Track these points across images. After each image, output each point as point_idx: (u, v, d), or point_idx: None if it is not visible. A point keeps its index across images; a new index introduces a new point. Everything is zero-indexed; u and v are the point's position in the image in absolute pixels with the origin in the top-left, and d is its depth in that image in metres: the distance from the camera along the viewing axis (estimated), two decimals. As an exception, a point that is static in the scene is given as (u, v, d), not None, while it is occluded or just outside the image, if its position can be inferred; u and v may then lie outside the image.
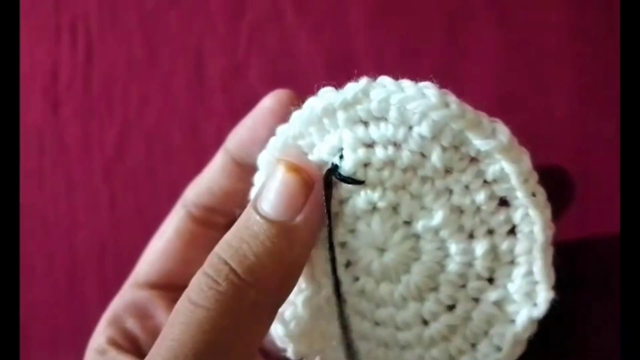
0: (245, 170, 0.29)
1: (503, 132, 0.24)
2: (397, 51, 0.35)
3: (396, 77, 0.36)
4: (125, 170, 0.49)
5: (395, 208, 0.25)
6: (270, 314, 0.24)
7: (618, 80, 0.28)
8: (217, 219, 0.31)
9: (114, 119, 0.50)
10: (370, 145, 0.24)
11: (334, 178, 0.25)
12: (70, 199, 0.53)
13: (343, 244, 0.26)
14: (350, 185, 0.24)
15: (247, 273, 0.23)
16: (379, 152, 0.24)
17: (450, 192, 0.25)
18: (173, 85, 0.47)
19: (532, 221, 0.24)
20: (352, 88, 0.25)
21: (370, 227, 0.25)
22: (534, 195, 0.24)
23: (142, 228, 0.48)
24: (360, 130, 0.24)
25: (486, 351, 0.25)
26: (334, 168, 0.24)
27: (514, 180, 0.24)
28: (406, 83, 0.25)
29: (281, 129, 0.26)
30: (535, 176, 0.24)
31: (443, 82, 0.34)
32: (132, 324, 0.30)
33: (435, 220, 0.25)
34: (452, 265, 0.25)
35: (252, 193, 0.28)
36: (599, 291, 0.29)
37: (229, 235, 0.24)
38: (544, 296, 0.24)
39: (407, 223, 0.25)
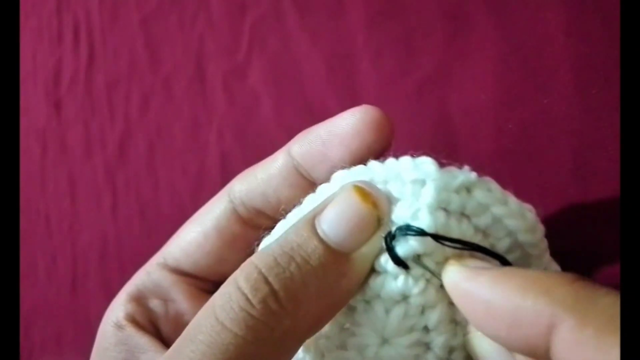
0: (307, 182, 0.26)
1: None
2: (397, 51, 0.35)
3: (396, 77, 0.36)
4: (126, 170, 0.50)
5: (424, 310, 0.22)
6: (298, 346, 0.22)
7: (617, 80, 0.28)
8: (262, 221, 0.28)
9: (116, 119, 0.50)
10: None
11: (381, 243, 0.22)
12: (73, 199, 0.53)
13: (352, 308, 0.23)
14: (390, 264, 0.22)
15: (290, 300, 0.20)
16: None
17: None
18: (174, 86, 0.47)
19: None
20: (458, 176, 0.23)
21: (388, 316, 0.22)
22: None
23: (143, 227, 0.48)
24: (441, 217, 0.22)
25: None
26: (391, 238, 0.22)
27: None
28: (512, 199, 0.23)
29: (373, 166, 0.24)
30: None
31: (443, 82, 0.34)
32: (155, 305, 0.28)
33: (457, 341, 0.23)
34: None
35: (307, 202, 0.25)
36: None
37: (275, 248, 0.21)
38: None
39: (426, 329, 0.23)
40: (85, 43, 0.53)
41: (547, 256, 0.24)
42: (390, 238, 0.22)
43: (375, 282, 0.22)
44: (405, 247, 0.22)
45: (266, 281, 0.20)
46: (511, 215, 0.23)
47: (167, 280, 0.28)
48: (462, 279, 0.21)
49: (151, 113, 0.48)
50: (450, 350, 0.23)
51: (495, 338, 0.20)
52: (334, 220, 0.21)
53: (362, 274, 0.22)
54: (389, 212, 0.22)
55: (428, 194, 0.22)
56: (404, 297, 0.22)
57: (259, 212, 0.28)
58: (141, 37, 0.49)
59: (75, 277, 0.53)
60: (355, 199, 0.22)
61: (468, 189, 0.23)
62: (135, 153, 0.49)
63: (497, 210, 0.23)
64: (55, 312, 0.54)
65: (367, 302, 0.23)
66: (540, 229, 0.23)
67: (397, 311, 0.22)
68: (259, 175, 0.27)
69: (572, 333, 0.17)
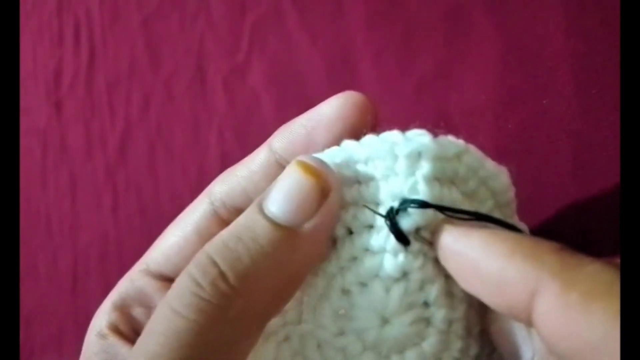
0: None
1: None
2: (397, 51, 0.35)
3: (396, 77, 0.36)
4: (127, 170, 0.50)
5: (423, 285, 0.22)
6: (259, 327, 0.21)
7: (617, 80, 0.28)
8: None
9: (116, 119, 0.50)
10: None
11: (379, 221, 0.22)
12: (73, 199, 0.53)
13: (346, 292, 0.23)
14: (390, 241, 0.22)
15: (239, 279, 0.20)
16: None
17: None
18: (175, 86, 0.47)
19: None
20: (451, 145, 0.22)
21: (388, 295, 0.22)
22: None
23: (144, 227, 0.48)
24: (436, 188, 0.22)
25: None
26: (393, 214, 0.21)
27: None
28: (489, 160, 0.23)
29: (348, 145, 0.23)
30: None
31: (443, 82, 0.34)
32: (138, 313, 0.28)
33: (457, 314, 0.23)
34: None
35: None
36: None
37: (225, 233, 0.22)
38: None
39: (426, 305, 0.22)
40: (85, 43, 0.53)
41: (515, 217, 0.24)
42: (391, 214, 0.21)
43: (372, 262, 0.22)
44: (408, 221, 0.21)
45: (214, 264, 0.20)
46: (493, 176, 0.23)
47: (150, 287, 0.28)
48: (452, 240, 0.21)
49: (152, 113, 0.48)
50: (450, 323, 0.23)
51: (480, 298, 0.20)
52: (279, 197, 0.21)
53: (316, 245, 0.22)
54: (337, 181, 0.22)
55: (426, 165, 0.22)
56: (404, 274, 0.22)
57: (241, 211, 0.26)
58: (142, 38, 0.49)
59: (75, 277, 0.53)
60: (297, 173, 0.21)
61: (459, 156, 0.22)
62: (136, 153, 0.49)
63: (483, 172, 0.23)
64: (56, 312, 0.54)
65: (364, 284, 0.22)
66: (513, 188, 0.23)
67: (398, 289, 0.22)
68: (239, 173, 0.27)
69: (557, 297, 0.17)
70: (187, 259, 0.26)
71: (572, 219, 0.29)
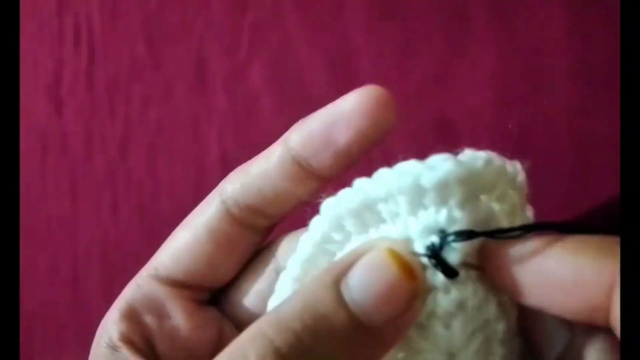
0: (307, 173, 0.24)
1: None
2: (397, 52, 0.35)
3: (396, 77, 0.36)
4: (128, 170, 0.50)
5: (480, 308, 0.21)
6: None
7: (617, 80, 0.28)
8: (259, 221, 0.26)
9: (117, 119, 0.50)
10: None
11: (423, 262, 0.20)
12: (74, 199, 0.53)
13: (405, 338, 0.21)
14: (439, 278, 0.20)
15: None
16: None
17: None
18: (175, 86, 0.47)
19: None
20: (474, 160, 0.21)
21: (450, 331, 0.21)
22: None
23: (144, 228, 0.48)
24: (471, 209, 0.20)
25: None
26: (434, 251, 0.20)
27: None
28: (508, 162, 0.22)
29: (361, 184, 0.21)
30: None
31: (442, 82, 0.34)
32: (149, 321, 0.26)
33: (512, 319, 0.22)
34: None
35: (304, 241, 0.22)
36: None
37: (293, 321, 0.18)
38: None
39: (486, 323, 0.21)
40: (85, 43, 0.53)
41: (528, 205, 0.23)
42: (434, 251, 0.20)
43: (426, 303, 0.20)
44: (455, 254, 0.20)
45: None
46: (515, 174, 0.22)
47: (159, 293, 0.26)
48: (509, 259, 0.19)
49: (152, 113, 0.48)
50: (510, 331, 0.22)
51: (549, 308, 0.19)
52: (363, 290, 0.19)
53: (388, 349, 0.20)
54: (425, 282, 0.20)
55: (459, 191, 0.20)
56: (460, 306, 0.21)
57: (255, 211, 0.25)
58: (142, 38, 0.49)
59: (76, 277, 0.53)
60: (390, 270, 0.19)
61: (484, 169, 0.21)
62: (136, 153, 0.49)
63: (507, 175, 0.22)
64: (56, 312, 0.54)
65: (421, 325, 0.21)
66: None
67: (458, 323, 0.21)
68: (253, 171, 0.25)
69: None
70: (199, 261, 0.26)
71: (571, 220, 0.29)
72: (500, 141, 0.31)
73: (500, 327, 0.22)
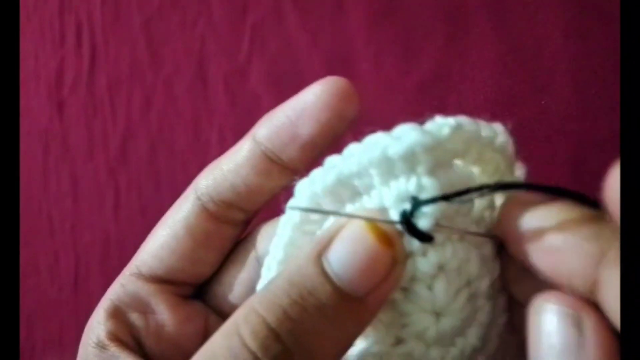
0: (277, 166, 0.25)
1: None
2: (397, 52, 0.35)
3: (396, 77, 0.36)
4: (128, 170, 0.50)
5: (460, 268, 0.22)
6: None
7: (616, 80, 0.28)
8: (235, 215, 0.26)
9: (118, 120, 0.51)
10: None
11: (398, 229, 0.21)
12: (75, 199, 0.54)
13: (391, 301, 0.22)
14: (415, 244, 0.21)
15: (305, 356, 0.19)
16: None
17: None
18: (176, 86, 0.47)
19: None
20: (441, 127, 0.21)
21: (433, 291, 0.21)
22: None
23: (145, 227, 0.48)
24: (442, 175, 0.21)
25: None
26: (405, 217, 0.20)
27: None
28: (484, 125, 0.22)
29: (332, 162, 0.22)
30: None
31: (442, 82, 0.34)
32: (135, 318, 0.26)
33: (495, 274, 0.22)
34: (500, 320, 0.23)
35: (282, 225, 0.23)
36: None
37: (282, 295, 0.19)
38: None
39: (468, 282, 0.22)
40: (87, 44, 0.53)
41: (517, 164, 0.24)
42: (405, 218, 0.21)
43: (406, 267, 0.21)
44: (426, 220, 0.21)
45: (277, 339, 0.19)
46: (493, 136, 0.22)
47: (143, 291, 0.27)
48: (516, 217, 0.20)
49: (153, 114, 0.48)
50: (493, 285, 0.22)
51: (544, 269, 0.19)
52: (344, 261, 0.19)
53: (374, 315, 0.21)
54: (405, 249, 0.21)
55: (425, 159, 0.21)
56: (440, 267, 0.21)
57: (230, 205, 0.26)
58: (143, 38, 0.49)
59: (77, 276, 0.53)
60: (367, 239, 0.20)
61: (453, 134, 0.21)
62: (137, 153, 0.49)
63: (482, 138, 0.22)
64: (57, 311, 0.54)
65: (405, 289, 0.22)
66: (510, 138, 0.23)
67: (440, 283, 0.21)
68: (224, 167, 0.26)
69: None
70: (180, 257, 0.26)
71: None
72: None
73: (484, 283, 0.22)
